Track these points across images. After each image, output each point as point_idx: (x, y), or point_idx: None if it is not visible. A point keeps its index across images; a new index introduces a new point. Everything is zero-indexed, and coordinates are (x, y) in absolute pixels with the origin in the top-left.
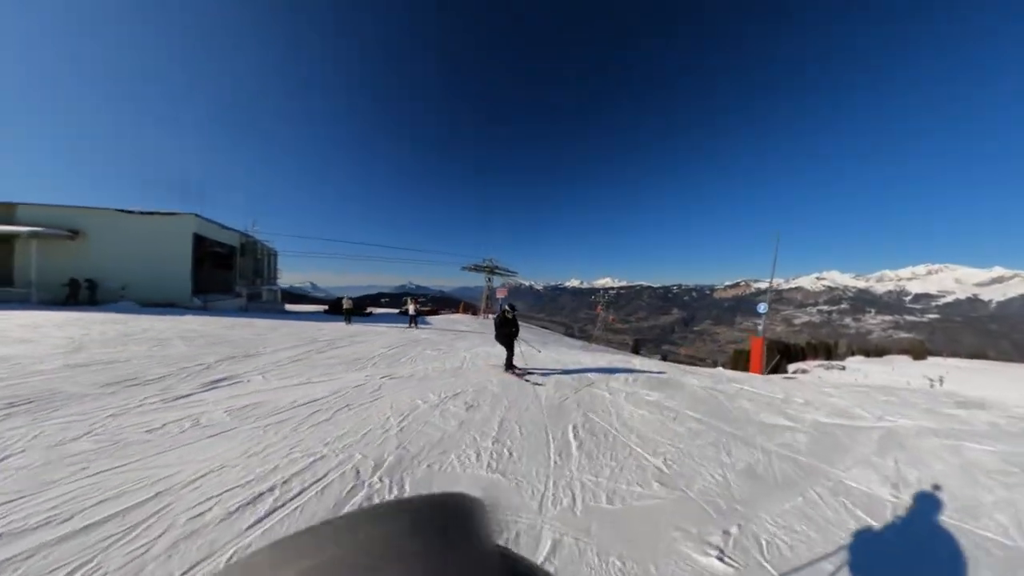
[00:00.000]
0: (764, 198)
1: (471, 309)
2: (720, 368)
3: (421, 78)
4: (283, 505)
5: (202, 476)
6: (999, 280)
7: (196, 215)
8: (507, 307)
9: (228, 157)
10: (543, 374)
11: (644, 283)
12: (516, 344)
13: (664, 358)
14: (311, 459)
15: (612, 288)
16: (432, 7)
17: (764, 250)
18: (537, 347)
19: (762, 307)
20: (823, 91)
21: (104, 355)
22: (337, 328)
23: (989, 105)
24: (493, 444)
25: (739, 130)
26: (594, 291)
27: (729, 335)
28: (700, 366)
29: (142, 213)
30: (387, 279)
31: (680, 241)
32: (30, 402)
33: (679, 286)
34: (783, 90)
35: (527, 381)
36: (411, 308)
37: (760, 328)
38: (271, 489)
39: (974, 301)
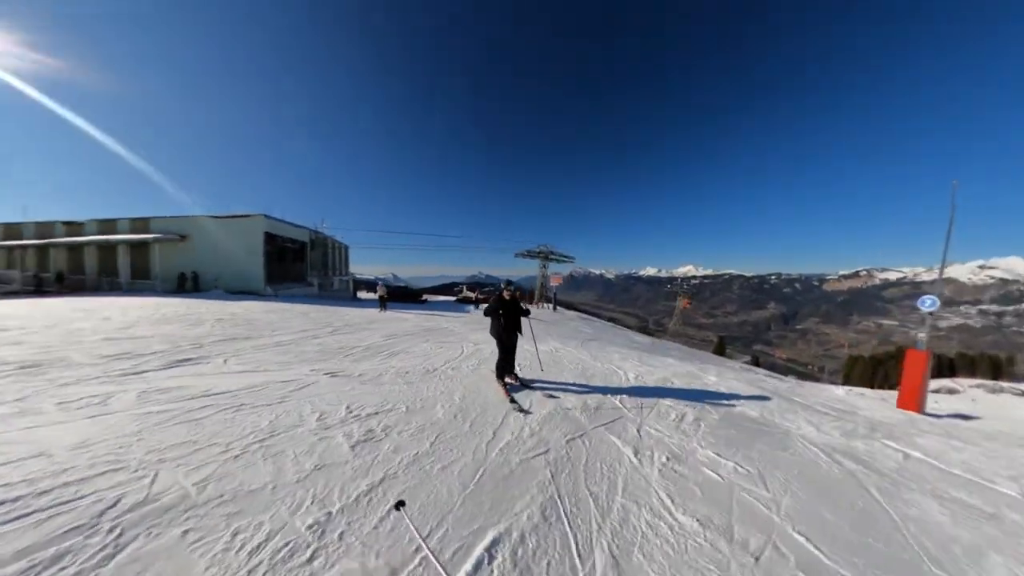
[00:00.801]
0: (897, 160)
1: (525, 297)
2: (842, 391)
3: (494, 75)
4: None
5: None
6: None
7: (265, 216)
8: (506, 287)
9: (320, 159)
10: (556, 388)
11: (734, 271)
12: (519, 341)
13: (756, 361)
14: (102, 469)
15: (695, 277)
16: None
17: (892, 231)
18: (574, 344)
19: (929, 302)
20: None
21: (139, 332)
22: (366, 315)
23: None
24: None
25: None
26: (672, 280)
27: (842, 336)
28: (801, 372)
29: (225, 217)
30: (460, 270)
31: (780, 222)
32: (36, 365)
33: (778, 275)
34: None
35: (514, 404)
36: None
37: (923, 338)
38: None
39: None
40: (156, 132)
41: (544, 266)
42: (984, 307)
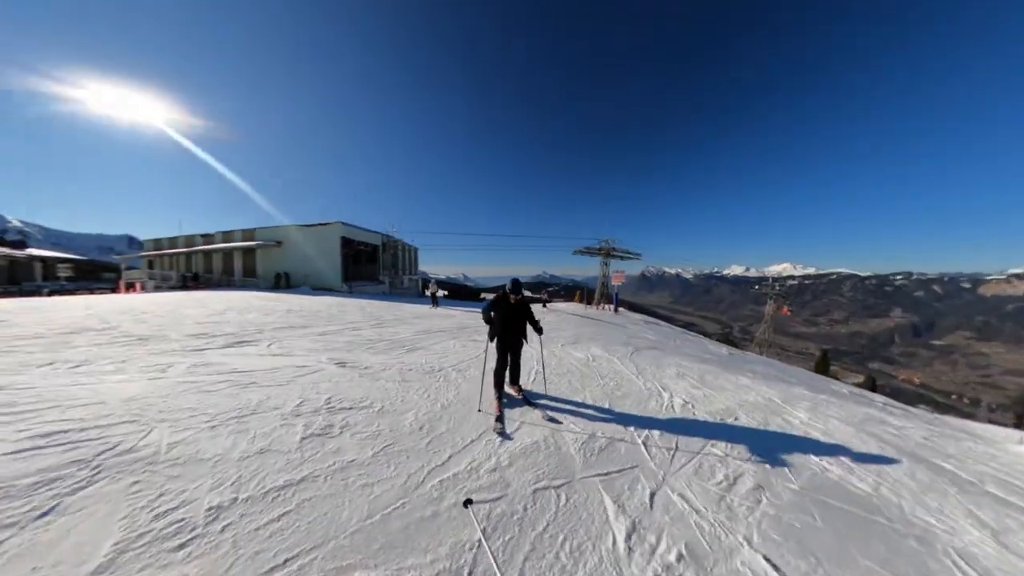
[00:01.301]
0: None
1: (586, 297)
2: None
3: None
4: None
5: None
6: None
7: (342, 223)
8: (509, 287)
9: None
10: (566, 410)
11: (844, 270)
12: (522, 346)
13: (873, 383)
14: (126, 419)
15: (792, 277)
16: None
17: None
18: (623, 353)
19: None
20: None
21: (225, 319)
22: (418, 311)
23: None
24: None
25: None
26: (762, 280)
27: (1011, 359)
28: (941, 404)
29: (309, 226)
30: (525, 269)
31: (912, 206)
32: (144, 339)
33: (906, 275)
34: None
35: (498, 424)
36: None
37: None
38: None
39: None
40: (269, 168)
41: (606, 263)
42: None
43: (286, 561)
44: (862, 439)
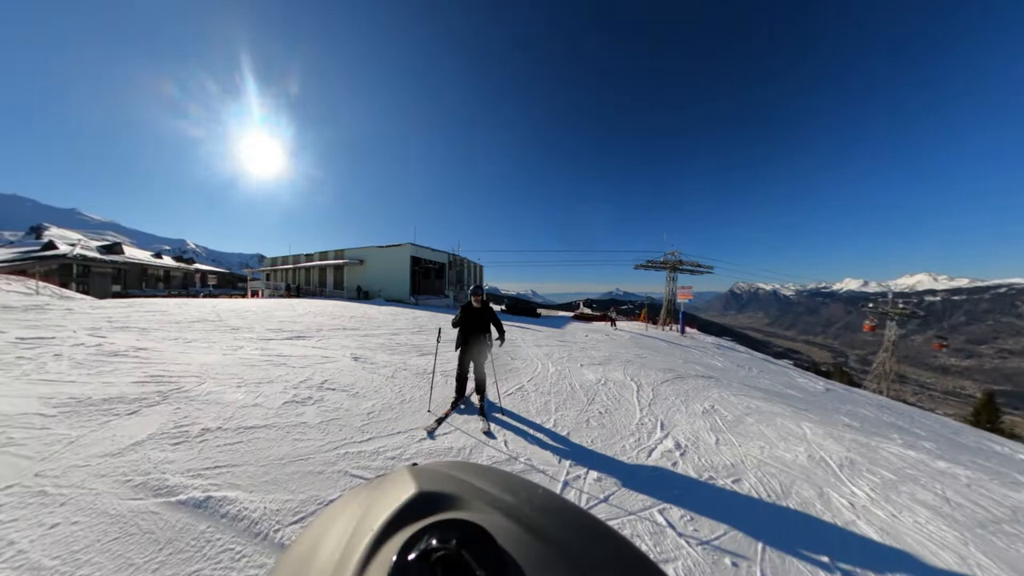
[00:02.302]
0: None
1: (650, 317)
2: None
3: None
4: None
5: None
6: None
7: (412, 244)
8: (473, 292)
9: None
10: (520, 428)
11: (1018, 281)
12: (489, 360)
13: None
14: (193, 375)
15: (932, 292)
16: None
17: None
18: (655, 381)
19: None
20: None
21: (301, 319)
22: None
23: None
24: None
25: None
26: (880, 296)
27: None
28: None
29: (385, 247)
30: (597, 286)
31: None
32: (236, 328)
33: None
34: None
35: (436, 424)
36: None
37: None
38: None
39: None
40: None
41: (672, 278)
42: None
43: (216, 467)
44: (970, 556)
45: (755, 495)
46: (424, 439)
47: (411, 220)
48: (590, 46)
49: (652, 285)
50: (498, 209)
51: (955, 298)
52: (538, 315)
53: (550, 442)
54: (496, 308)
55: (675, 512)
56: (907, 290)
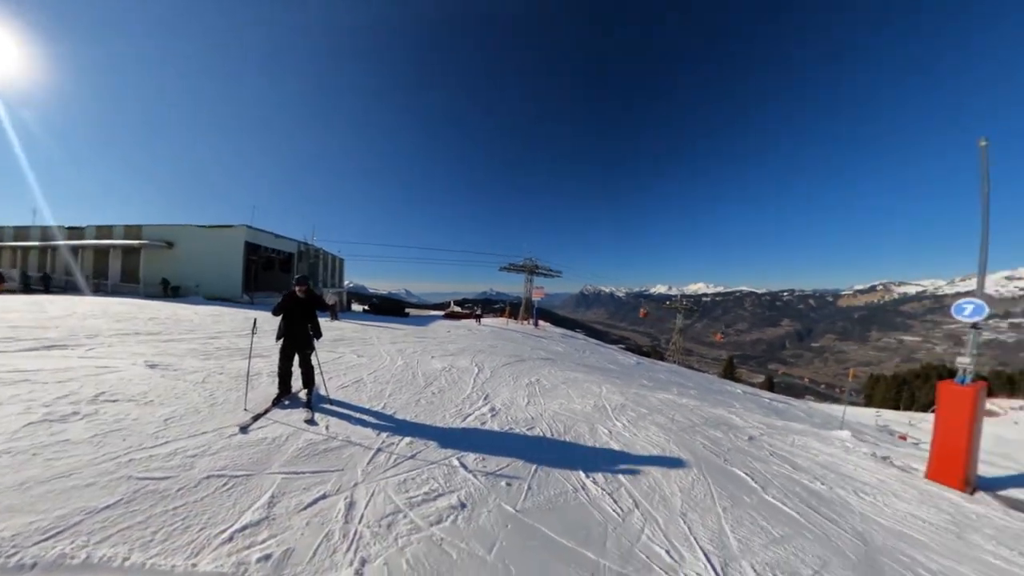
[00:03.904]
0: (909, 169)
1: (513, 314)
2: (847, 433)
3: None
4: None
5: None
6: None
7: (247, 226)
8: (297, 283)
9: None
10: (344, 416)
11: (745, 288)
12: (315, 352)
13: (771, 382)
14: None
15: (705, 295)
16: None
17: (911, 243)
18: (502, 363)
19: (971, 309)
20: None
21: (60, 323)
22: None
23: None
24: None
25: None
26: (683, 296)
27: (861, 354)
28: (821, 393)
29: (209, 227)
30: (472, 287)
31: (790, 236)
32: None
33: (791, 292)
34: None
35: (251, 421)
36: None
37: (966, 363)
38: None
39: None
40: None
41: (530, 280)
42: (1016, 320)
43: None
44: (669, 449)
45: (543, 435)
46: (235, 435)
47: (251, 200)
48: (465, 48)
49: (521, 286)
50: (359, 204)
51: (717, 299)
52: (406, 314)
53: (375, 421)
54: (359, 308)
55: (471, 457)
56: (691, 293)
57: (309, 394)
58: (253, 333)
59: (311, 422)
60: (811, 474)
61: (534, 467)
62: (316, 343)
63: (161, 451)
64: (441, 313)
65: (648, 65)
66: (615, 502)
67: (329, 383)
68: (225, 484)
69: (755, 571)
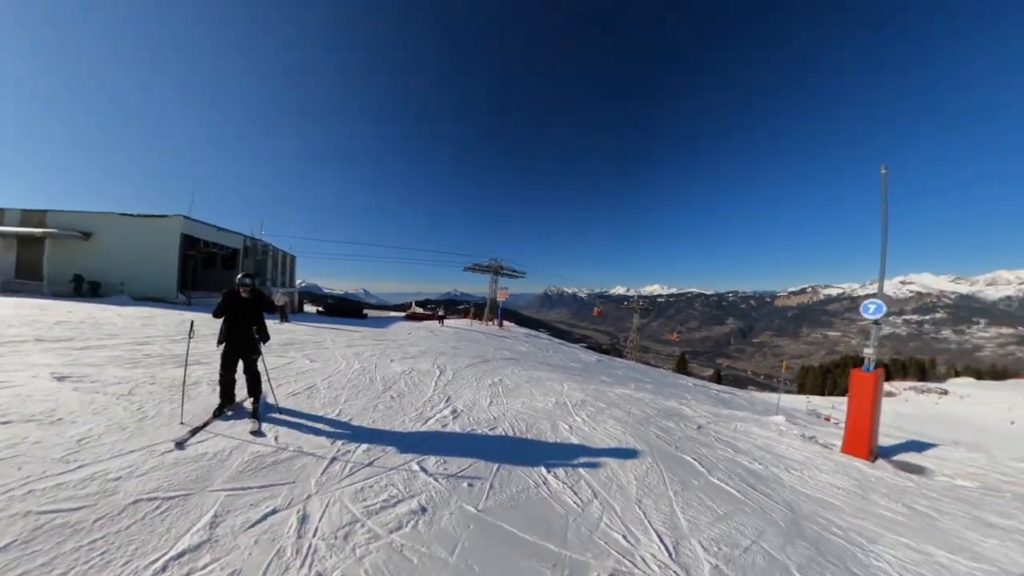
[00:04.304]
0: (830, 192)
1: (478, 314)
2: (781, 418)
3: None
4: None
5: None
6: None
7: (184, 217)
8: (242, 281)
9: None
10: (295, 425)
11: (696, 290)
12: (261, 356)
13: (718, 375)
14: None
15: (660, 296)
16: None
17: (834, 251)
18: (465, 365)
19: (873, 308)
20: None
21: None
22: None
23: None
24: None
25: (793, 120)
26: (640, 298)
27: (794, 348)
28: (761, 384)
29: (138, 216)
30: (436, 287)
31: (736, 243)
32: None
33: (735, 293)
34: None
35: (188, 435)
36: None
37: (870, 354)
38: None
39: None
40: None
41: (495, 280)
42: (907, 317)
43: None
44: (626, 441)
45: (505, 434)
46: (169, 451)
47: (190, 190)
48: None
49: (486, 286)
50: (315, 198)
51: (671, 299)
52: (364, 316)
53: (329, 429)
54: (313, 309)
55: (431, 460)
56: (647, 294)
57: (255, 403)
58: (190, 337)
59: (258, 433)
60: (751, 456)
61: (496, 466)
62: (263, 348)
63: (73, 477)
64: (402, 314)
65: (621, 66)
66: (575, 494)
67: (278, 390)
68: (158, 508)
69: (703, 547)
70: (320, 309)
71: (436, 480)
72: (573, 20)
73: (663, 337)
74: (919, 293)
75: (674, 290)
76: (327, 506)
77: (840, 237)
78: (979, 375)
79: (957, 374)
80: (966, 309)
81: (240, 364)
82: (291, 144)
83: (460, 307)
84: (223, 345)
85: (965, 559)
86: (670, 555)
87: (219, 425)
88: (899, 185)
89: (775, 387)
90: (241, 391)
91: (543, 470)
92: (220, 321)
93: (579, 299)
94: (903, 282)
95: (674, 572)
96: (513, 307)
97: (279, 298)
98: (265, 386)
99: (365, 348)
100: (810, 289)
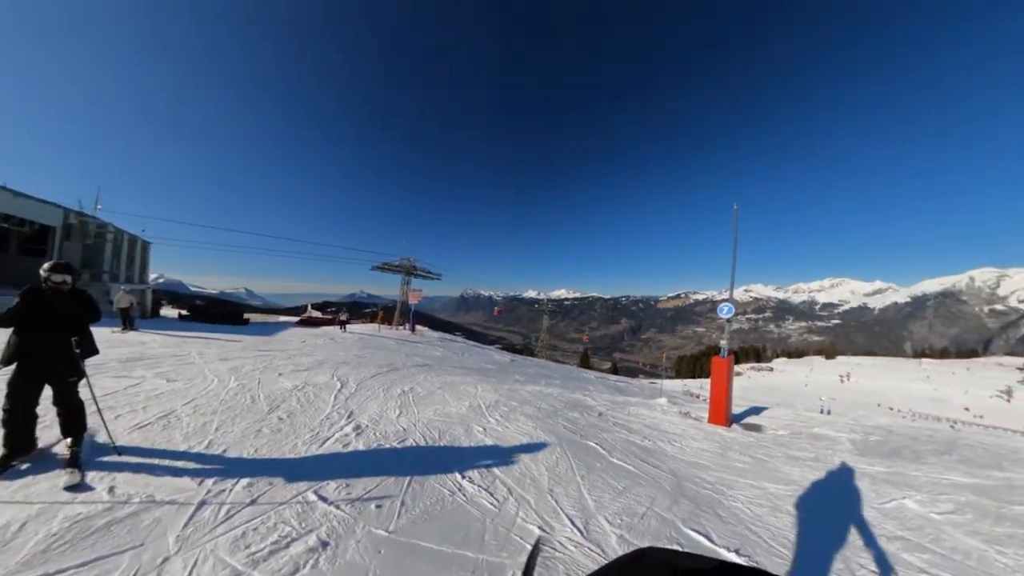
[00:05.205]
0: (698, 218)
1: (387, 318)
2: (664, 400)
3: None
4: None
5: None
6: (879, 291)
7: None
8: (53, 271)
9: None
10: (148, 468)
11: (596, 294)
12: (83, 383)
13: (615, 367)
14: None
15: (566, 299)
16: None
17: (703, 263)
18: (371, 375)
19: (726, 309)
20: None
21: None
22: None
23: (862, 157)
24: None
25: (668, 155)
26: (548, 301)
27: (672, 342)
28: (649, 373)
29: None
30: (339, 288)
31: (628, 254)
32: None
33: (627, 297)
34: (696, 112)
35: None
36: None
37: (724, 344)
38: None
39: (864, 308)
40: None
41: (407, 282)
42: (748, 316)
43: None
44: (536, 435)
45: (416, 445)
46: None
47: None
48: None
49: (396, 288)
50: (180, 170)
51: (575, 302)
52: (245, 321)
53: (193, 466)
54: (174, 313)
55: (331, 486)
56: (555, 297)
57: (75, 446)
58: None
59: (79, 487)
60: (641, 434)
61: (407, 480)
62: (85, 366)
63: None
64: (295, 319)
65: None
66: (491, 495)
67: (118, 423)
68: None
69: (608, 521)
70: (184, 313)
71: (338, 508)
72: (475, 22)
73: (570, 336)
74: (755, 298)
75: (578, 294)
76: (194, 566)
77: (703, 252)
78: (789, 356)
79: (777, 356)
80: (782, 310)
81: (49, 392)
82: (144, 101)
83: (367, 310)
84: (14, 366)
85: (783, 485)
86: (582, 534)
87: (9, 485)
88: (746, 215)
89: (659, 375)
90: (49, 430)
91: (457, 476)
92: (9, 332)
93: (495, 302)
94: (746, 290)
95: (588, 548)
96: (428, 310)
97: (122, 298)
98: (94, 420)
99: (245, 361)
100: (684, 294)
